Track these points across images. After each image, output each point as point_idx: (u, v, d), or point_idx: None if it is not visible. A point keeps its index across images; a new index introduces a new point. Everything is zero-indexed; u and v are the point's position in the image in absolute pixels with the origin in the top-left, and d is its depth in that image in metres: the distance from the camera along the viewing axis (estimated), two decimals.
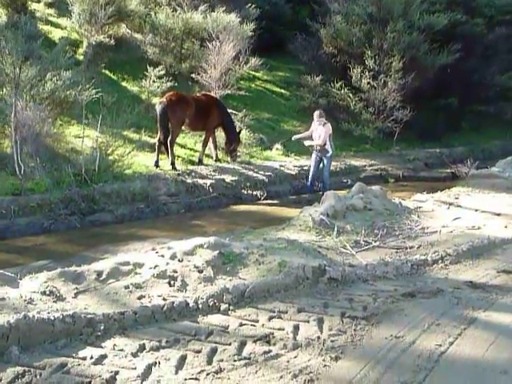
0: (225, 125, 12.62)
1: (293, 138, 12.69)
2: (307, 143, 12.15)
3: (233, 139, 12.61)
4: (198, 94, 13.00)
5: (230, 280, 5.36)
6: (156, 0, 16.75)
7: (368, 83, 16.95)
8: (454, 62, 18.42)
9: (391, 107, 16.82)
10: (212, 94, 13.46)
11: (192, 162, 12.21)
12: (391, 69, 16.89)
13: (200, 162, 12.07)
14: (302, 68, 19.73)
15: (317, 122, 11.66)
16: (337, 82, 17.37)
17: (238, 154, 12.97)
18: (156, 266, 5.46)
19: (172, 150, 11.42)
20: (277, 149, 14.44)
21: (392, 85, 16.80)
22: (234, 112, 14.04)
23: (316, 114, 11.80)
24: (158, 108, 11.44)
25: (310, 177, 11.97)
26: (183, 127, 12.04)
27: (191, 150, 13.05)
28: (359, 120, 16.92)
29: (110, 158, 10.35)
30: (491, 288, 5.73)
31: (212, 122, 12.35)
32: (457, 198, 10.38)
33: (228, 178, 11.66)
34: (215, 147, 12.75)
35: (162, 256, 5.73)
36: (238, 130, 12.99)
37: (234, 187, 11.58)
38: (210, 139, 12.57)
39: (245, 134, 13.82)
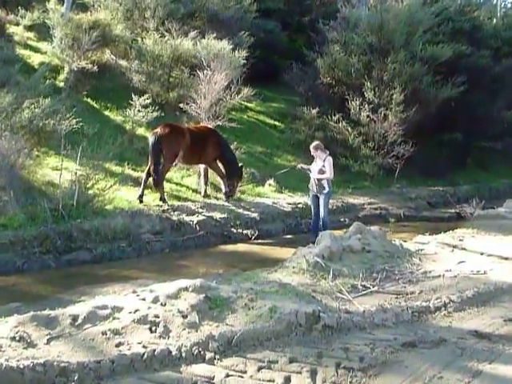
0: (224, 158, 12.64)
1: (298, 167, 12.45)
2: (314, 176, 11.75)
3: (232, 173, 12.61)
4: (192, 125, 13.09)
5: (217, 326, 5.33)
6: (143, 25, 17.01)
7: (367, 116, 17.19)
8: (459, 95, 18.73)
9: (392, 142, 17.01)
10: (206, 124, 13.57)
11: (178, 198, 12.24)
12: (392, 101, 17.15)
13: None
14: (298, 99, 19.99)
15: (314, 154, 11.59)
16: (334, 115, 17.61)
17: (237, 190, 12.99)
18: (136, 311, 5.43)
19: (162, 184, 11.45)
20: (269, 185, 14.51)
21: (393, 118, 17.04)
22: None
23: (312, 146, 11.63)
24: (151, 139, 11.49)
25: (312, 217, 11.70)
26: (176, 160, 12.06)
27: (177, 184, 13.11)
28: (358, 155, 17.12)
29: (90, 192, 10.34)
30: (498, 338, 5.73)
31: (209, 155, 12.37)
32: (461, 240, 10.41)
33: (217, 216, 11.69)
34: (205, 182, 12.79)
35: (144, 299, 5.70)
36: (239, 165, 13.01)
37: (223, 225, 11.60)
38: (202, 173, 12.61)
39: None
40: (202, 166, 12.77)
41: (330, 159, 11.43)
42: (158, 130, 11.53)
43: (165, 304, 5.59)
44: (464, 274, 8.19)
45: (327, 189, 11.39)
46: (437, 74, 18.52)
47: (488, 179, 20.55)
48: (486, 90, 20.59)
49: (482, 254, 9.49)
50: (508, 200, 13.59)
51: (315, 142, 11.85)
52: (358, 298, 6.95)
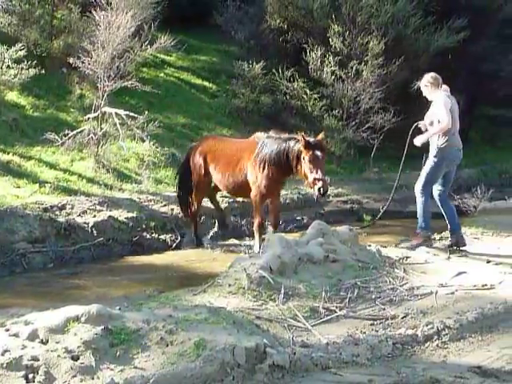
0: None
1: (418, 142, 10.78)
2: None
3: None
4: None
5: (121, 371, 5.29)
6: None
7: (333, 73, 17.32)
8: (458, 44, 18.99)
9: (367, 109, 17.21)
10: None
11: (67, 191, 12.11)
12: (367, 52, 17.28)
13: None
14: (236, 50, 19.98)
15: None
16: (287, 71, 17.62)
17: (140, 178, 12.98)
18: (6, 352, 5.35)
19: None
20: None
21: (368, 76, 17.22)
22: (131, 114, 14.00)
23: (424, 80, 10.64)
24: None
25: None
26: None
27: (66, 171, 12.96)
28: (320, 128, 17.19)
29: None
30: (509, 376, 5.86)
31: None
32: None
33: (122, 215, 11.63)
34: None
35: (16, 336, 5.62)
36: None
37: (132, 229, 11.58)
38: None
39: (149, 148, 13.83)
40: None
41: (443, 97, 10.31)
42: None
43: (47, 341, 5.52)
44: (464, 289, 8.36)
45: (434, 151, 10.39)
46: (428, 14, 18.75)
47: (498, 159, 20.91)
48: (494, 38, 20.94)
49: (488, 261, 9.71)
50: None
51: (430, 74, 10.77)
52: (320, 325, 7.01)
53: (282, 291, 7.69)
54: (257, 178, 11.17)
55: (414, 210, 15.37)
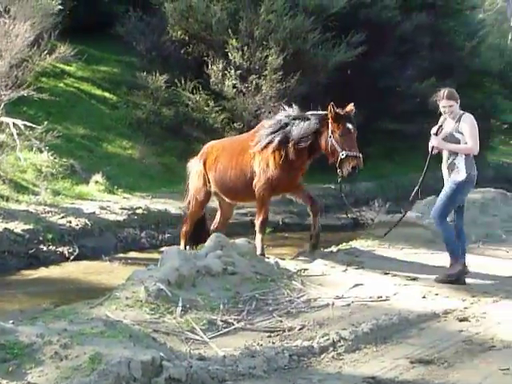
0: None
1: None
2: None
3: None
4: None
5: None
6: None
7: (234, 86, 17.39)
8: (356, 59, 19.34)
9: None
10: None
11: None
12: (267, 67, 17.42)
13: None
14: (137, 61, 19.88)
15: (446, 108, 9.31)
16: (189, 83, 17.63)
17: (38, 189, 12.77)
18: None
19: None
20: (96, 182, 14.39)
21: (268, 90, 17.34)
22: (29, 125, 13.78)
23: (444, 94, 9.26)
24: None
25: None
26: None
27: None
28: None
29: None
30: None
31: None
32: (357, 257, 10.78)
33: (18, 227, 11.43)
34: None
35: None
36: None
37: (28, 241, 11.39)
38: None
39: (47, 159, 13.63)
40: None
41: (471, 119, 9.27)
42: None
43: None
44: (360, 301, 8.48)
45: (464, 173, 9.23)
46: (327, 30, 19.01)
47: (395, 173, 21.33)
48: (392, 54, 21.38)
49: (384, 273, 9.87)
50: (418, 201, 14.11)
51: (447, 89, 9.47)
52: (217, 338, 7.01)
53: (180, 304, 7.66)
54: (267, 167, 10.05)
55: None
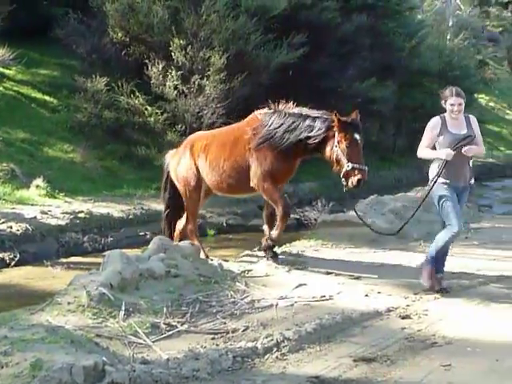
0: None
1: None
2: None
3: None
4: None
5: None
6: None
7: (175, 87, 17.31)
8: (298, 60, 19.46)
9: (210, 124, 17.27)
10: None
11: None
12: (209, 67, 17.39)
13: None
14: (78, 64, 19.71)
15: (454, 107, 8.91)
16: (128, 85, 17.52)
17: None
18: None
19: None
20: (37, 186, 14.23)
21: (211, 91, 17.31)
22: None
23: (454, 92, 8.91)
24: None
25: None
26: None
27: None
28: (163, 143, 17.19)
29: None
30: None
31: None
32: (300, 257, 10.82)
33: None
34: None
35: None
36: None
37: None
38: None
39: None
40: None
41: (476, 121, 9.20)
42: None
43: None
44: (304, 301, 8.52)
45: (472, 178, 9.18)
46: (269, 31, 19.08)
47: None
48: (333, 55, 21.55)
49: (327, 273, 9.93)
50: (361, 200, 14.23)
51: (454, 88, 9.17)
52: (161, 341, 6.98)
53: (123, 308, 7.61)
54: (265, 160, 9.73)
55: (257, 223, 15.71)
